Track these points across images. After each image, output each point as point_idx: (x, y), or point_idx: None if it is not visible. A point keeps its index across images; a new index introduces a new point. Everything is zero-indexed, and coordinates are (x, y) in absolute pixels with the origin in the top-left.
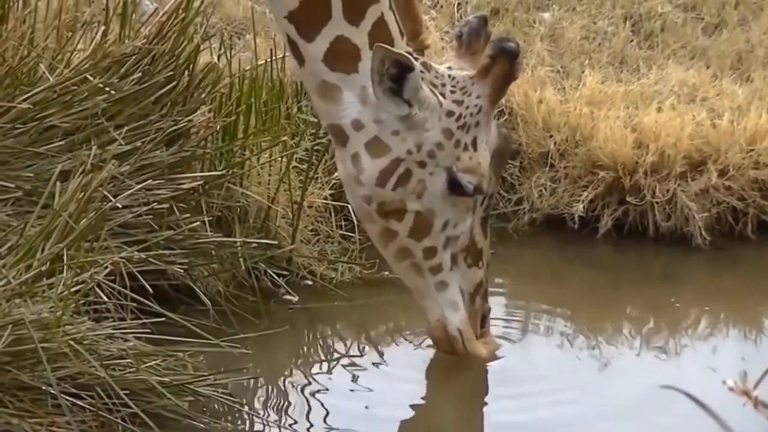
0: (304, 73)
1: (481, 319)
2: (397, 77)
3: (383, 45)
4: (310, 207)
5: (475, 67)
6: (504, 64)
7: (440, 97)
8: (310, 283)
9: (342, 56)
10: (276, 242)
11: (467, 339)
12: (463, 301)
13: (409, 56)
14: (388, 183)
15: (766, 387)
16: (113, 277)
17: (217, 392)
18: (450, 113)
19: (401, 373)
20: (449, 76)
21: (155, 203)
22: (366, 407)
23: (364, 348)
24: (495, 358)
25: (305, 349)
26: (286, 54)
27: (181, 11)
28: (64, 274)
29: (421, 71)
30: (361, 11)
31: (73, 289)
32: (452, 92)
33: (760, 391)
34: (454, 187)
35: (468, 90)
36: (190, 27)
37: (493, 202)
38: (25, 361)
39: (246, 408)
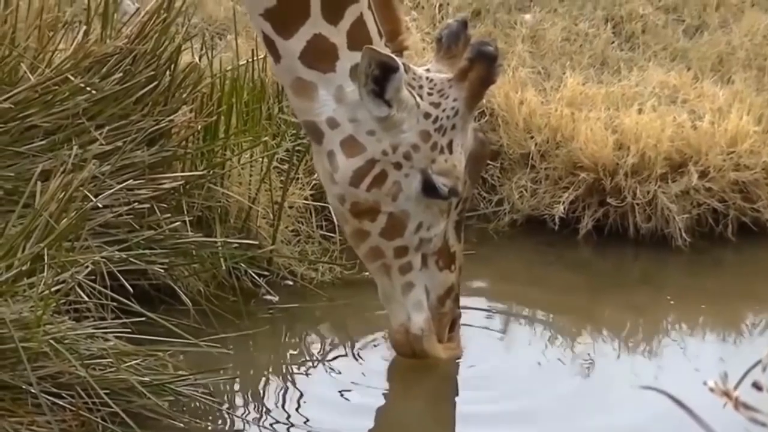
0: (279, 70)
1: (450, 324)
2: (379, 78)
3: (372, 47)
4: (290, 207)
5: (453, 70)
6: (482, 67)
7: (418, 99)
8: (290, 283)
9: (319, 55)
10: (256, 242)
11: (426, 337)
12: (428, 301)
13: (393, 57)
14: (362, 183)
15: (747, 388)
16: (94, 277)
17: (197, 392)
18: (427, 115)
19: (380, 372)
20: (427, 78)
21: (136, 203)
22: (345, 406)
23: (344, 348)
24: (457, 359)
25: (285, 349)
26: (268, 54)
27: (162, 11)
28: (45, 273)
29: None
30: (339, 10)
31: (53, 289)
32: (430, 94)
33: (741, 392)
34: (429, 189)
35: (446, 92)
36: (171, 27)
37: (468, 206)
38: (6, 360)
39: (226, 407)
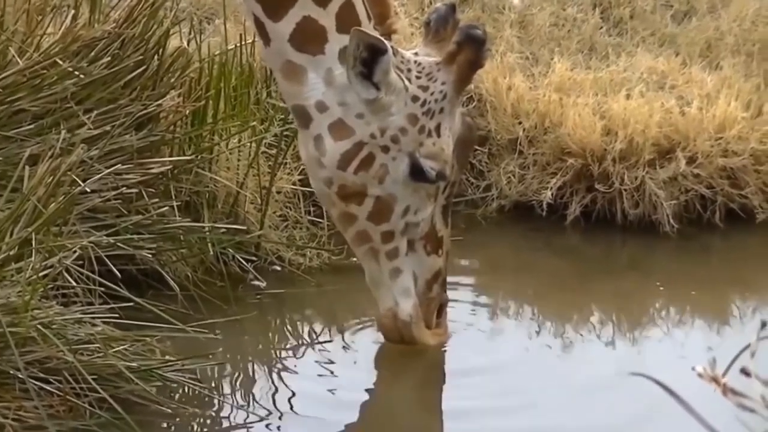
0: (269, 53)
1: (438, 309)
2: (368, 61)
3: (360, 29)
4: (278, 192)
5: (442, 54)
6: (470, 50)
7: (406, 82)
8: (278, 268)
9: (308, 37)
10: (244, 228)
11: (415, 323)
12: (416, 287)
13: (382, 39)
14: (349, 166)
15: (735, 373)
16: (82, 262)
17: (185, 377)
18: (415, 98)
19: (368, 358)
20: (415, 61)
21: (124, 188)
22: (333, 393)
23: (331, 334)
24: (445, 345)
25: (273, 334)
26: (256, 39)
27: None
28: (33, 258)
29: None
30: None
31: (41, 274)
32: (418, 78)
33: (729, 378)
34: (416, 172)
35: (434, 76)
36: (159, 11)
37: (455, 190)
38: None
39: (214, 393)
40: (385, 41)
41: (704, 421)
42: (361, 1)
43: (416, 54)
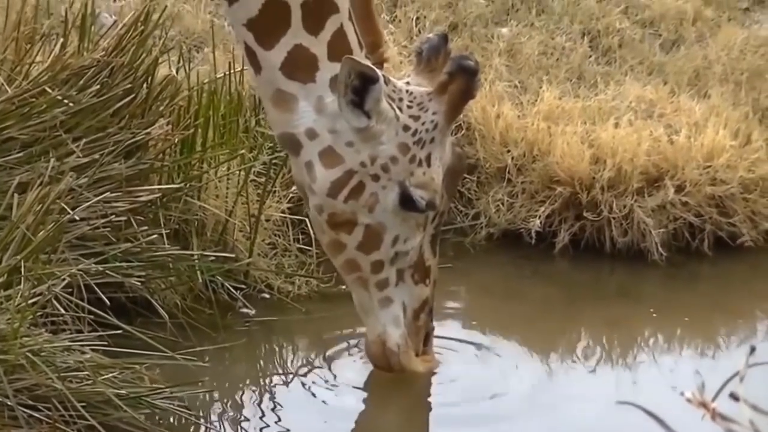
0: (259, 81)
1: (424, 337)
2: (359, 89)
3: (352, 57)
4: (267, 220)
5: (433, 83)
6: (462, 81)
7: (397, 111)
8: (267, 296)
9: (300, 65)
10: (233, 255)
11: (404, 353)
12: (405, 317)
13: (374, 68)
14: (340, 194)
15: (724, 399)
16: (71, 290)
17: (174, 405)
18: (406, 128)
19: (357, 386)
20: (407, 91)
21: (113, 216)
22: (321, 420)
23: (320, 361)
24: (433, 373)
25: (262, 362)
26: (245, 67)
27: (139, 24)
28: (22, 285)
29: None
30: (320, 21)
31: (30, 301)
32: (409, 107)
33: (718, 403)
34: (406, 201)
35: (425, 106)
36: (148, 40)
37: (444, 220)
38: None
39: (202, 421)
40: (377, 70)
41: None
42: (352, 29)
43: (407, 83)
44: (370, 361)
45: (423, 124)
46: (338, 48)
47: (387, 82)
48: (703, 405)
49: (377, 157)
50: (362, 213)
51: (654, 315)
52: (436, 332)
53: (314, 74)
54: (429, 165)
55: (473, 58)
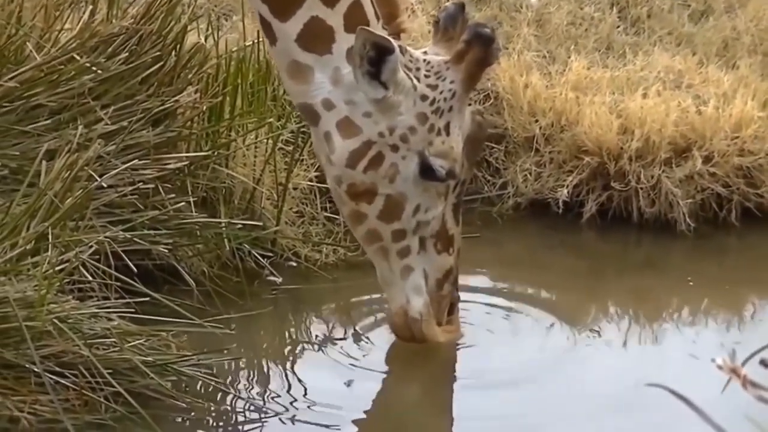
0: (275, 52)
1: (449, 307)
2: (375, 60)
3: (366, 28)
4: (295, 189)
5: (451, 52)
6: (479, 49)
7: (415, 81)
8: (294, 264)
9: (316, 37)
10: (261, 223)
11: (426, 321)
12: (427, 286)
13: (389, 39)
14: (359, 165)
15: (754, 368)
16: (98, 257)
17: (200, 372)
18: (424, 97)
19: (383, 354)
20: (424, 60)
21: (141, 183)
22: (347, 389)
23: (346, 330)
24: (456, 345)
25: (288, 330)
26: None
27: None
28: (49, 252)
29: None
30: None
31: (57, 268)
32: (427, 76)
33: (748, 371)
34: (426, 171)
35: (442, 75)
36: (177, 7)
37: (465, 189)
38: (9, 339)
39: (229, 388)
40: (393, 40)
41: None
42: (369, 0)
43: (425, 53)
44: (393, 333)
45: (441, 93)
46: (354, 19)
47: (404, 52)
48: (734, 371)
49: (395, 127)
50: (382, 183)
51: (679, 286)
52: (462, 302)
53: (330, 46)
54: (448, 134)
55: (490, 26)
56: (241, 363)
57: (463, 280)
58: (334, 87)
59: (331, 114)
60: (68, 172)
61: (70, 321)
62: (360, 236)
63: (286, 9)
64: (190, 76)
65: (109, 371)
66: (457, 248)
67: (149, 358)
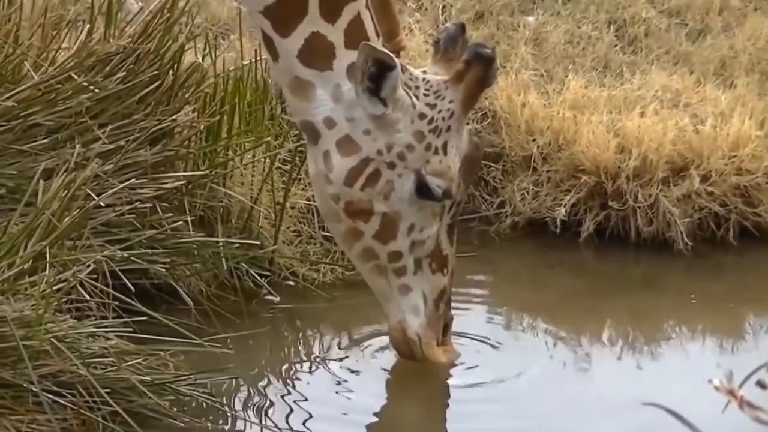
0: (277, 69)
1: (443, 327)
2: (376, 76)
3: (369, 43)
4: (292, 208)
5: (450, 72)
6: (478, 69)
7: (414, 99)
8: (291, 283)
9: (317, 53)
10: (258, 242)
11: (426, 344)
12: (425, 306)
13: (391, 55)
14: (356, 182)
15: (751, 388)
16: (95, 276)
17: (198, 391)
18: (422, 116)
19: (381, 373)
20: (424, 79)
21: (138, 202)
22: (345, 407)
23: (344, 349)
24: (455, 364)
25: (286, 349)
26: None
27: (166, 11)
28: (47, 272)
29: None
30: (337, 9)
31: (55, 287)
32: (426, 95)
33: (745, 392)
34: (422, 190)
35: (441, 94)
36: (175, 27)
37: (460, 209)
38: (7, 358)
39: (226, 407)
40: (394, 57)
41: None
42: (369, 17)
43: (425, 72)
44: (392, 348)
45: (439, 112)
46: (355, 36)
47: (404, 70)
48: (731, 393)
49: (393, 144)
50: (378, 201)
51: (677, 306)
52: (460, 321)
53: (331, 62)
54: (445, 153)
55: (490, 46)
56: (239, 382)
57: (461, 297)
58: (335, 104)
59: (332, 132)
60: (66, 192)
61: (67, 340)
62: (355, 254)
63: (287, 24)
64: (187, 95)
65: (107, 391)
66: (451, 269)
67: (147, 378)
